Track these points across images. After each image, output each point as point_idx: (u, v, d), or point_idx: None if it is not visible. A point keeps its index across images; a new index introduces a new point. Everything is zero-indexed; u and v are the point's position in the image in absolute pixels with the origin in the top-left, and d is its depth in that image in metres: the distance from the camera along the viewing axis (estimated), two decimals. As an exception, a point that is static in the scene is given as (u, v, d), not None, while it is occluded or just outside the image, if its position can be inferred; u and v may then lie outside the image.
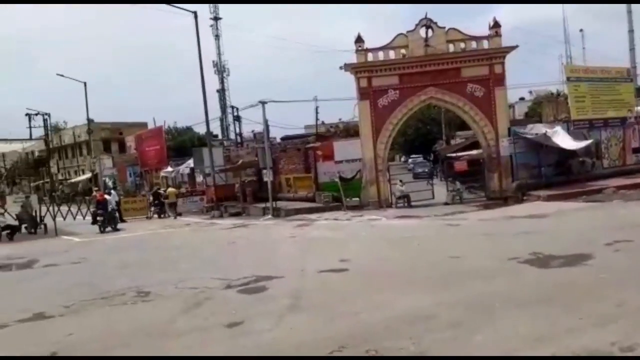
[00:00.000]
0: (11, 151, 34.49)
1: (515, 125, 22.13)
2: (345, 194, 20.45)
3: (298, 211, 20.06)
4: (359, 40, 20.67)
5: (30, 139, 34.78)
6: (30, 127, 50.68)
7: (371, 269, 8.96)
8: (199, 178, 30.60)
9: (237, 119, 46.49)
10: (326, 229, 15.21)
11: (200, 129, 48.80)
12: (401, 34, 20.85)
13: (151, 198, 25.89)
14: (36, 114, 50.32)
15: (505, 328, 5.28)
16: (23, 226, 19.26)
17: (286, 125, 67.78)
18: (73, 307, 7.62)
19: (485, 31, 20.99)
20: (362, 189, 20.84)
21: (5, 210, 19.28)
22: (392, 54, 20.84)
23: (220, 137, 50.12)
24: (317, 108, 43.10)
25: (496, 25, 20.69)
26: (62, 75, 37.50)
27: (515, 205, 18.17)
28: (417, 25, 20.76)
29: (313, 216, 18.53)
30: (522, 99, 54.80)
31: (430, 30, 20.64)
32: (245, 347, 5.36)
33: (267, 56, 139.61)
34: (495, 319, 5.60)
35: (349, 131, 46.19)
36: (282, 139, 38.87)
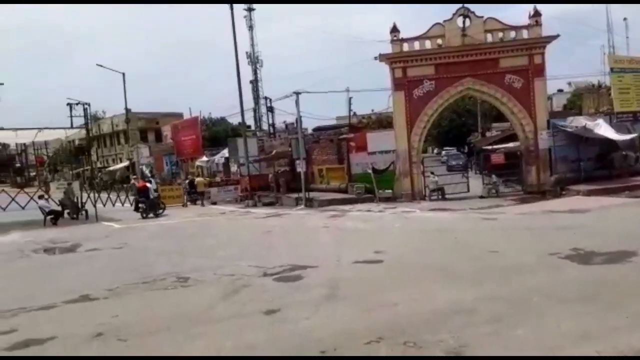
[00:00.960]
0: (54, 139, 35.77)
1: (553, 117, 21.53)
2: (378, 186, 20.37)
3: (331, 202, 20.12)
4: (394, 30, 20.43)
5: (71, 127, 35.95)
6: (71, 117, 52.33)
7: (407, 261, 8.93)
8: (234, 168, 31.03)
9: (271, 109, 46.75)
10: (359, 220, 15.21)
11: (234, 120, 49.42)
12: (438, 23, 20.50)
13: (187, 186, 26.48)
14: (77, 104, 51.89)
15: (547, 324, 5.18)
16: (65, 212, 19.97)
17: (318, 117, 67.62)
18: (116, 290, 7.89)
19: (524, 20, 20.43)
20: (395, 180, 20.71)
21: (49, 196, 20.03)
22: (428, 44, 20.53)
23: (253, 127, 50.56)
24: (350, 99, 42.91)
25: (536, 14, 20.09)
26: (101, 66, 38.57)
27: (553, 200, 17.72)
28: (454, 14, 20.37)
29: (346, 207, 18.55)
30: (560, 90, 53.07)
31: (467, 20, 20.23)
32: (284, 335, 5.45)
33: (299, 47, 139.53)
34: (536, 314, 5.50)
35: (382, 122, 45.84)
36: (314, 130, 38.87)
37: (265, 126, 52.51)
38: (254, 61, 64.11)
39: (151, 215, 19.60)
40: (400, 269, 8.32)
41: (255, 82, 64.45)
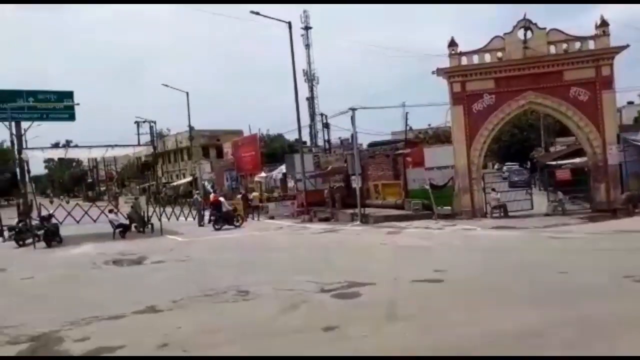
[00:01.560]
0: (122, 156, 37.80)
1: (624, 131, 20.32)
2: (436, 202, 19.98)
3: (387, 218, 19.93)
4: (452, 44, 20.16)
5: (138, 144, 37.88)
6: (138, 134, 55.20)
7: (468, 281, 8.68)
8: (291, 183, 31.47)
9: (326, 126, 47.17)
10: (417, 237, 14.97)
11: (291, 136, 50.27)
12: (498, 36, 20.03)
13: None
14: (143, 122, 54.70)
15: (624, 351, 4.87)
16: (133, 225, 20.98)
17: (373, 132, 67.54)
18: (180, 302, 8.17)
19: (590, 31, 19.56)
20: (454, 197, 20.24)
21: (118, 210, 21.13)
22: (487, 57, 20.07)
23: (309, 143, 51.21)
24: (406, 114, 42.53)
25: (603, 24, 19.17)
26: (166, 86, 40.48)
27: (625, 219, 16.68)
28: (514, 26, 19.83)
29: (402, 224, 18.31)
30: (630, 103, 50.10)
31: (529, 32, 19.62)
32: (344, 352, 5.44)
33: (354, 63, 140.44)
34: (612, 340, 5.19)
35: (439, 137, 45.07)
36: (370, 145, 38.76)
37: (320, 142, 53.09)
38: (311, 78, 65.29)
39: (226, 227, 20.70)
40: (462, 289, 8.10)
41: (311, 99, 65.47)
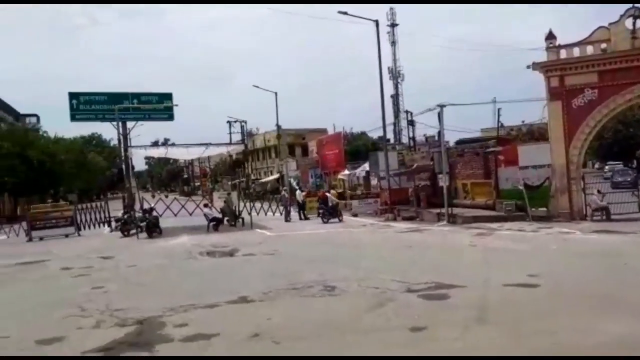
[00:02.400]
0: (215, 154, 39.81)
1: None
2: (530, 203, 18.90)
3: (476, 219, 19.18)
4: (550, 36, 18.94)
5: (230, 143, 39.71)
6: (230, 133, 57.90)
7: (567, 287, 8.15)
8: (374, 181, 31.34)
9: (411, 123, 46.41)
10: (510, 239, 14.27)
11: (374, 134, 50.08)
12: (602, 26, 18.50)
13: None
14: (235, 121, 57.18)
15: None
16: (225, 219, 22.08)
17: (461, 129, 65.55)
18: (270, 294, 8.49)
19: None
20: (550, 198, 19.02)
21: (212, 205, 22.33)
22: (590, 50, 18.61)
23: (392, 141, 50.69)
24: (498, 110, 40.60)
25: None
26: (257, 87, 42.02)
27: None
28: (622, 16, 18.19)
29: (493, 225, 17.54)
30: None
31: (639, 21, 17.91)
32: (432, 354, 5.36)
33: (441, 60, 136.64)
34: None
35: (533, 134, 42.54)
36: (457, 142, 37.54)
37: (405, 140, 52.34)
38: (396, 76, 64.61)
39: (332, 220, 21.94)
40: (559, 296, 7.63)
41: (396, 97, 64.78)
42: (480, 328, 6.19)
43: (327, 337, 6.10)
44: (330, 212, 22.47)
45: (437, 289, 8.27)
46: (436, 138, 39.99)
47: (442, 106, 20.74)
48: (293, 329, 6.50)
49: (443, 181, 20.48)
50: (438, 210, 21.00)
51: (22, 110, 56.68)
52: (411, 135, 44.57)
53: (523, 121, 51.31)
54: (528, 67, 19.18)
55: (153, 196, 38.34)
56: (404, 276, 9.23)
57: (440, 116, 21.12)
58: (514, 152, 21.04)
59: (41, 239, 21.70)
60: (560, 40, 18.96)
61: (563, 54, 18.90)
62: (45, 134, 47.95)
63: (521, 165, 20.09)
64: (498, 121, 40.94)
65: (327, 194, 24.16)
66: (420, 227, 18.67)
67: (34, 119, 56.34)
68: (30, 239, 21.86)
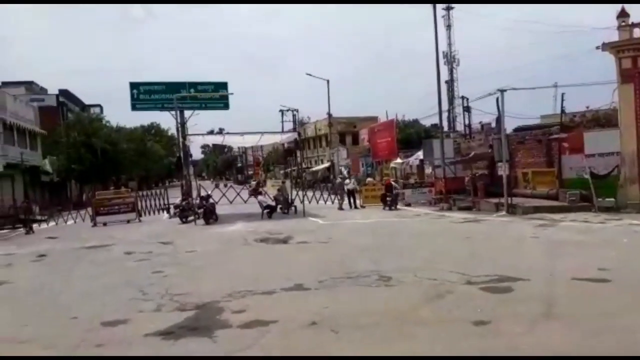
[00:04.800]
0: (268, 143, 40.31)
1: None
2: (596, 193, 17.85)
3: (537, 209, 18.34)
4: (622, 14, 17.65)
5: (282, 131, 40.03)
6: (282, 122, 58.49)
7: (642, 283, 7.60)
8: (428, 169, 30.66)
9: (467, 109, 45.04)
10: (575, 231, 13.53)
11: (427, 121, 48.94)
12: (683, 1, 17.06)
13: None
14: (287, 110, 57.60)
15: None
16: (278, 207, 22.31)
17: (520, 116, 62.72)
18: (326, 283, 8.43)
19: None
20: (619, 188, 17.87)
21: (266, 193, 22.62)
22: (668, 27, 17.20)
23: (446, 128, 49.39)
24: (562, 95, 38.49)
25: None
26: (310, 75, 42.09)
27: None
28: None
29: (556, 216, 16.70)
30: None
31: None
32: (497, 348, 5.12)
33: (498, 43, 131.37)
34: None
35: (599, 120, 40.12)
36: (515, 130, 35.97)
37: (459, 127, 50.89)
38: (451, 61, 62.78)
39: (393, 208, 22.44)
40: (636, 292, 7.11)
41: (450, 82, 62.98)
42: (549, 323, 5.86)
43: (386, 328, 5.96)
44: (394, 200, 22.83)
45: (499, 281, 7.93)
46: (493, 125, 38.56)
47: (502, 90, 19.88)
48: (351, 318, 6.40)
49: (502, 170, 19.70)
50: (496, 200, 20.26)
51: (87, 100, 59.57)
52: (467, 122, 43.25)
53: (588, 107, 48.51)
54: (597, 47, 18.01)
55: (217, 185, 39.38)
56: (463, 268, 8.91)
57: (499, 101, 20.27)
58: (579, 139, 19.90)
59: (105, 224, 22.78)
60: (633, 18, 17.66)
61: (637, 33, 17.60)
62: (108, 124, 50.20)
63: (587, 153, 18.98)
64: (562, 106, 38.82)
65: (392, 182, 24.36)
66: (478, 218, 18.07)
67: (97, 109, 59.06)
68: (94, 224, 22.99)
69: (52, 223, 26.01)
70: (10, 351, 5.97)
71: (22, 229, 23.03)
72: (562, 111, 43.21)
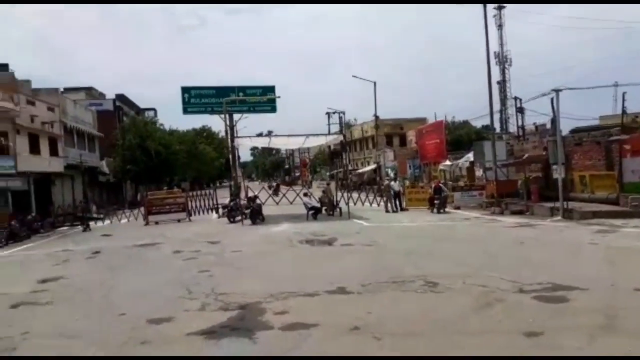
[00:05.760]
0: (314, 145, 40.34)
1: None
2: (662, 198, 16.69)
3: (595, 214, 17.35)
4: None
5: (329, 133, 39.97)
6: (328, 124, 58.58)
7: None
8: (479, 172, 29.75)
9: (520, 110, 43.41)
10: (638, 238, 12.66)
11: (477, 123, 47.57)
12: None
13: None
14: (334, 113, 57.63)
15: None
16: (323, 208, 22.27)
17: (576, 117, 60.02)
18: (369, 287, 8.25)
19: None
20: (688, 192, 16.65)
21: (312, 194, 22.64)
22: None
23: (498, 130, 47.84)
24: (623, 95, 36.46)
25: None
26: (356, 77, 42.06)
27: None
28: None
29: (616, 222, 15.73)
30: None
31: None
32: (552, 363, 4.79)
33: (552, 42, 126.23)
34: None
35: (663, 121, 37.61)
36: (572, 131, 34.33)
37: (512, 128, 49.20)
38: (502, 61, 60.97)
39: (442, 211, 22.01)
40: None
41: (502, 83, 61.13)
42: (609, 337, 5.45)
43: (431, 337, 5.73)
44: (442, 203, 22.42)
45: (553, 290, 7.49)
46: (547, 126, 36.94)
47: (557, 90, 18.99)
48: (394, 325, 6.21)
49: (558, 172, 18.79)
50: (551, 204, 19.36)
51: (141, 105, 61.89)
52: (520, 123, 41.72)
53: (652, 106, 45.72)
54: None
55: (270, 187, 40.16)
56: (515, 275, 8.50)
57: (554, 102, 19.37)
58: (643, 140, 18.70)
59: (156, 223, 23.50)
60: None
61: None
62: (161, 127, 51.92)
63: (652, 156, 17.81)
64: (623, 106, 36.78)
65: (440, 184, 23.90)
66: (531, 222, 17.31)
67: (151, 113, 61.22)
68: (147, 223, 23.76)
69: (107, 221, 27.13)
70: (58, 346, 6.17)
71: (79, 227, 24.15)
72: (624, 111, 41.04)
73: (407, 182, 28.85)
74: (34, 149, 28.83)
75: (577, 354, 4.96)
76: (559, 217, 17.89)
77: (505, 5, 57.21)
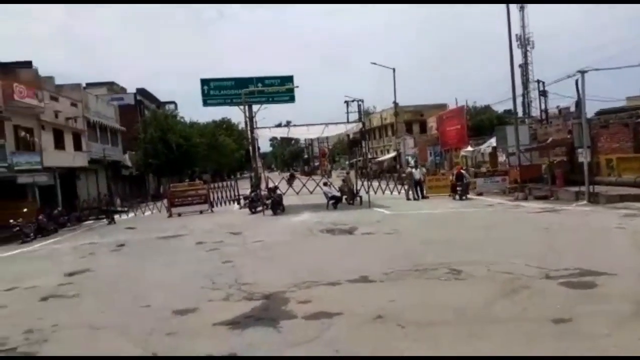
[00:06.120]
0: (334, 135, 40.17)
1: None
2: (694, 180, 16.20)
3: (623, 198, 16.93)
4: None
5: (348, 122, 39.69)
6: (347, 112, 58.30)
7: None
8: (501, 157, 29.27)
9: (543, 94, 42.45)
10: (668, 222, 12.34)
11: (499, 107, 46.75)
12: None
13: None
14: (352, 101, 57.33)
15: None
16: (343, 197, 22.22)
17: (602, 98, 58.43)
18: (391, 275, 8.22)
19: None
20: None
21: (331, 183, 22.60)
22: None
23: (520, 114, 46.97)
24: (649, 74, 35.39)
25: None
26: (375, 64, 41.49)
27: None
28: None
29: (645, 205, 15.35)
30: None
31: None
32: (580, 350, 4.70)
33: (577, 22, 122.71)
34: None
35: (695, 100, 36.40)
36: (597, 113, 33.50)
37: (535, 112, 48.27)
38: (524, 43, 59.75)
39: (464, 197, 21.89)
40: None
41: (525, 66, 59.96)
42: (638, 323, 5.32)
43: (456, 324, 5.67)
44: (464, 190, 22.13)
45: (580, 276, 7.35)
46: (572, 109, 36.03)
47: (582, 72, 18.46)
48: (418, 313, 6.18)
49: (583, 156, 18.35)
50: (577, 189, 18.95)
51: (162, 98, 62.47)
52: (543, 107, 40.82)
53: (682, 85, 44.25)
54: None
55: (292, 176, 40.51)
56: (541, 261, 8.36)
57: (580, 84, 18.86)
58: (673, 121, 18.12)
59: (179, 214, 23.81)
60: None
61: None
62: (182, 119, 52.38)
63: (683, 136, 17.25)
64: (651, 86, 35.63)
65: (462, 170, 23.60)
66: (556, 207, 16.99)
67: (172, 106, 61.77)
68: (170, 215, 24.09)
69: (131, 214, 27.61)
70: (85, 337, 6.31)
71: (104, 220, 24.62)
72: (652, 91, 39.65)
73: (425, 170, 28.47)
74: (59, 144, 29.39)
75: (604, 342, 4.85)
76: (585, 202, 17.51)
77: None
